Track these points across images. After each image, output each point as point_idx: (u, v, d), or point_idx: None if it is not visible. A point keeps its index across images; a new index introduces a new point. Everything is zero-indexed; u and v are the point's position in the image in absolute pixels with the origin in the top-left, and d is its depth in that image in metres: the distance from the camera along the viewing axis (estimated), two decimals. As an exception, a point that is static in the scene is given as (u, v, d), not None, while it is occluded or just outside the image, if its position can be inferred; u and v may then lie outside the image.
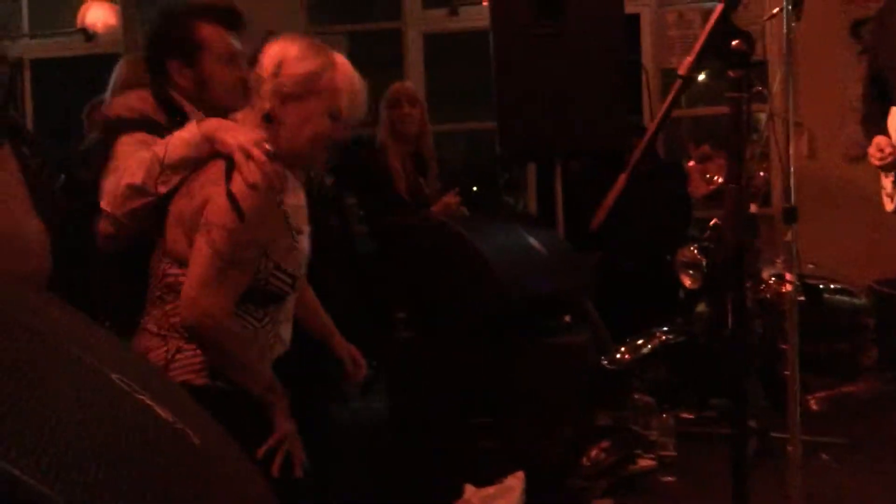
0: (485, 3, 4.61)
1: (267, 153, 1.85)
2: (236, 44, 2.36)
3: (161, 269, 1.97)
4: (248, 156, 1.83)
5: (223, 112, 2.16)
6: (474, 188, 6.18)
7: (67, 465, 0.60)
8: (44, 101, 6.07)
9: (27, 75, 5.95)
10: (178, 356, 1.90)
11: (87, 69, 5.89)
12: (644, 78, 4.68)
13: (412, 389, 3.31)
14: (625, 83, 4.00)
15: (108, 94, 3.19)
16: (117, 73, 3.25)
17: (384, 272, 3.97)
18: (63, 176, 3.43)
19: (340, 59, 2.02)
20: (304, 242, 2.05)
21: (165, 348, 1.90)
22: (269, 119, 1.95)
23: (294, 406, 2.69)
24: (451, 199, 3.90)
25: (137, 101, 2.35)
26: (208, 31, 2.30)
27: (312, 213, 3.71)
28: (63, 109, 4.85)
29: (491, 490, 2.89)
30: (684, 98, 5.20)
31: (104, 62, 5.96)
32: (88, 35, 5.76)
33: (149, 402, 0.80)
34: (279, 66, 1.95)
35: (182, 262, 1.92)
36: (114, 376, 0.80)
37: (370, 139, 4.14)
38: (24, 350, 0.70)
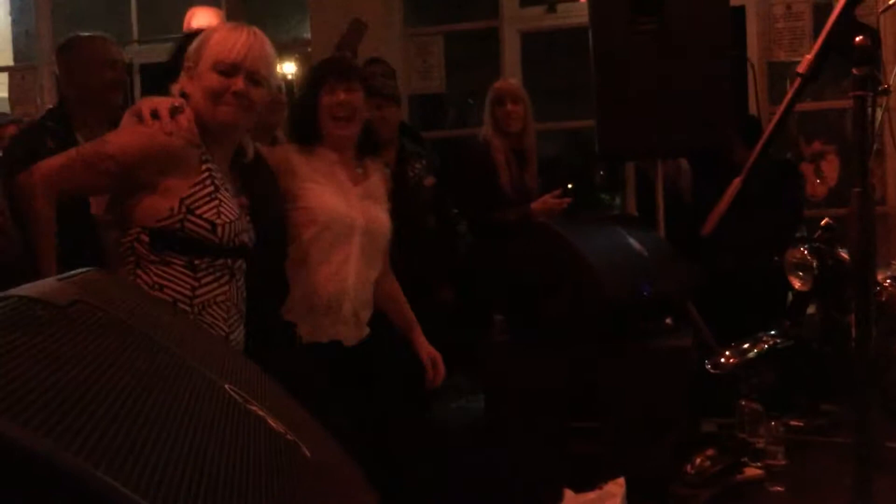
0: (582, 0, 4.55)
1: (171, 107, 2.03)
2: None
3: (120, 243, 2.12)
4: (153, 111, 2.02)
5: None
6: (570, 185, 6.13)
7: (174, 478, 0.60)
8: (152, 106, 6.27)
9: (136, 80, 6.17)
10: None
11: (193, 73, 6.06)
12: (750, 73, 4.53)
13: (509, 392, 3.29)
14: (730, 79, 3.87)
15: None
16: None
17: (482, 273, 3.97)
18: None
19: (233, 24, 2.20)
20: (241, 218, 2.16)
21: None
22: (183, 95, 2.13)
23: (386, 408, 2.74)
24: (552, 200, 3.89)
25: None
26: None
27: (408, 212, 3.76)
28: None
29: (591, 496, 2.84)
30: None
31: (209, 66, 6.15)
32: (195, 40, 5.91)
33: (261, 412, 0.80)
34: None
35: (116, 223, 2.08)
36: (227, 387, 0.80)
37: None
38: (137, 357, 0.71)
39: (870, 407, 3.10)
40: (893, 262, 3.45)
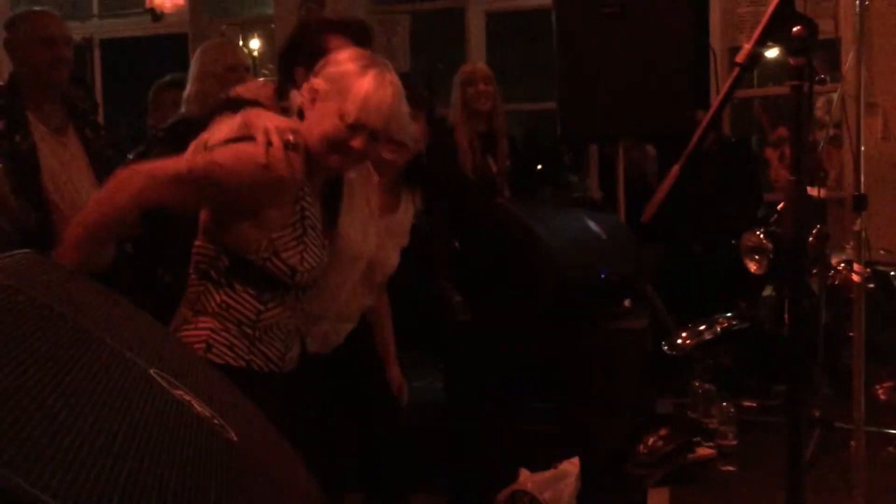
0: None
1: (286, 142, 1.89)
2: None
3: (194, 245, 2.03)
4: (269, 139, 1.88)
5: None
6: (538, 167, 6.14)
7: (84, 471, 0.59)
8: (113, 81, 6.20)
9: (96, 55, 6.07)
10: (214, 338, 1.94)
11: (155, 49, 6.01)
12: (711, 58, 4.56)
13: (469, 372, 3.31)
14: (692, 65, 3.90)
15: (188, 84, 3.27)
16: (195, 61, 3.32)
17: (444, 254, 3.98)
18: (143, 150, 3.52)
19: (378, 71, 1.99)
20: (321, 252, 2.06)
21: (197, 330, 1.96)
22: (300, 114, 2.00)
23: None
24: None
25: (258, 86, 2.49)
26: (336, 44, 2.37)
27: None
28: (131, 88, 4.96)
29: (546, 475, 2.88)
30: (755, 76, 5.06)
31: (172, 42, 6.08)
32: (156, 15, 5.85)
33: (186, 397, 0.81)
34: (323, 65, 2.00)
35: (203, 231, 1.99)
36: (152, 371, 0.80)
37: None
38: (60, 343, 0.71)
39: (813, 389, 3.15)
40: (847, 246, 3.50)
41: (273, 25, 5.58)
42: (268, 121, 1.94)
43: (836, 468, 2.74)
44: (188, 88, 3.24)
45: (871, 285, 3.45)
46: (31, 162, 2.81)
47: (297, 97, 2.02)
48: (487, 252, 3.28)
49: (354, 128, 1.94)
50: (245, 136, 1.93)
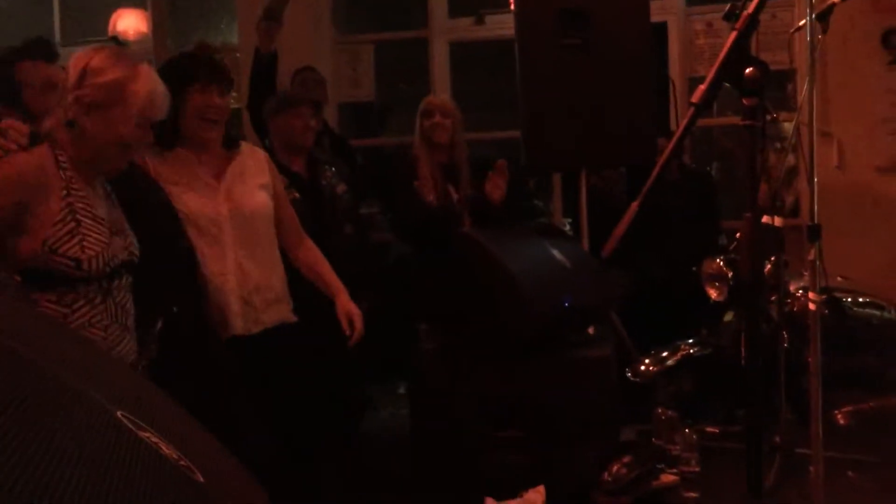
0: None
1: (18, 146, 2.07)
2: (54, 70, 2.74)
3: None
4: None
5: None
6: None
7: None
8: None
9: (59, 83, 6.01)
10: None
11: (118, 77, 5.94)
12: (671, 88, 4.64)
13: (435, 400, 3.32)
14: (652, 94, 3.96)
15: None
16: None
17: (410, 282, 3.99)
18: None
19: (144, 68, 2.18)
20: (114, 241, 2.13)
21: None
22: (71, 125, 2.10)
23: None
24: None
25: None
26: (26, 68, 2.77)
27: (325, 221, 3.76)
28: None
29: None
30: (715, 106, 5.16)
31: (135, 70, 6.04)
32: (120, 43, 5.82)
33: (153, 439, 0.81)
34: (82, 76, 2.11)
35: None
36: (118, 413, 0.80)
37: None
38: (24, 389, 0.71)
39: (772, 415, 3.19)
40: (805, 273, 3.56)
41: (238, 54, 5.58)
42: None
43: (796, 494, 2.78)
44: None
45: (828, 311, 3.51)
46: None
47: (63, 111, 2.12)
48: (454, 281, 3.29)
49: (143, 125, 2.12)
50: None
